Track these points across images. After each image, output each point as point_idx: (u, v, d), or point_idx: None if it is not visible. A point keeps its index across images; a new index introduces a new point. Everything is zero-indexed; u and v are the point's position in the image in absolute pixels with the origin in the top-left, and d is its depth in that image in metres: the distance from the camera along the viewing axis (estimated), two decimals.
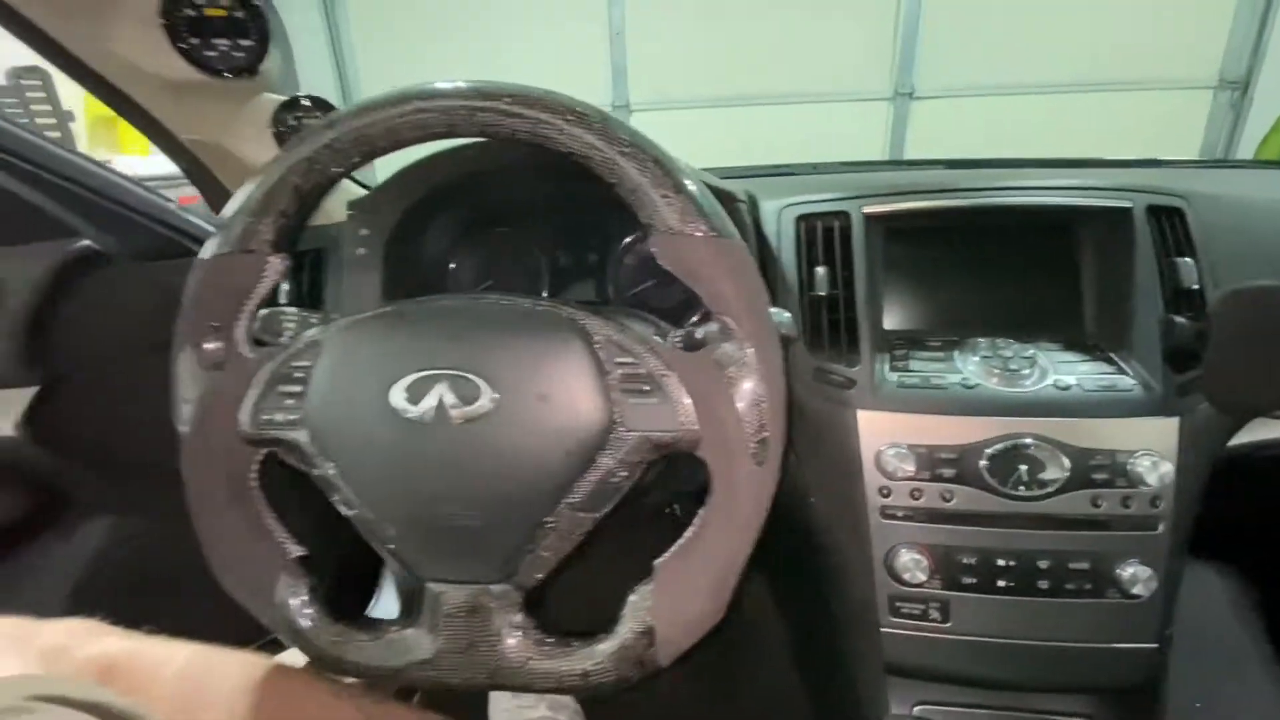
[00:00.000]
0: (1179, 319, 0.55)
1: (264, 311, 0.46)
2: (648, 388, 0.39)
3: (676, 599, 0.39)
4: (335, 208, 0.73)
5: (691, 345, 0.42)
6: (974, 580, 0.56)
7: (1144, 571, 0.54)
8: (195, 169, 0.68)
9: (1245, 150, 3.15)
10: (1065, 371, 0.59)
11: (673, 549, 0.40)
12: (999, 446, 0.56)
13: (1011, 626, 0.56)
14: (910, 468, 0.57)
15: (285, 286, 0.70)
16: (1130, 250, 0.60)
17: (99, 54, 0.53)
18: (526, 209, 0.75)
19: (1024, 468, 0.55)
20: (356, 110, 0.41)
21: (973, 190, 0.65)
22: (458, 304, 0.44)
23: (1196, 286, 0.58)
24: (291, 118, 0.65)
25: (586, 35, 3.40)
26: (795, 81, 3.33)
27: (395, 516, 0.40)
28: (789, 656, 0.45)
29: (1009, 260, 0.67)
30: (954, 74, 3.24)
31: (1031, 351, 0.60)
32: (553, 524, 0.39)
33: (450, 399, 0.39)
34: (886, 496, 0.58)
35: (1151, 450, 0.55)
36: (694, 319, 0.53)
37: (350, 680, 0.50)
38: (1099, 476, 0.55)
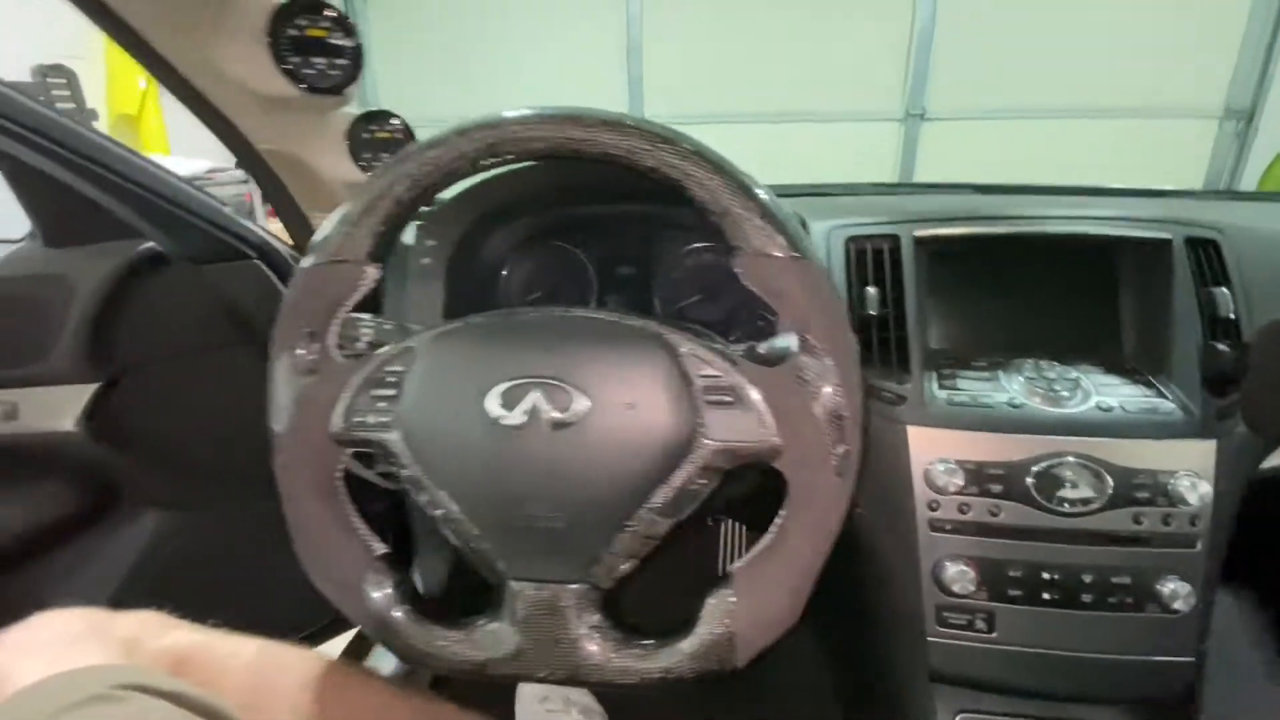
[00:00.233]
0: (1220, 346, 0.57)
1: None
2: (730, 399, 0.41)
3: (756, 602, 0.41)
4: None
5: (766, 359, 0.44)
6: (1020, 592, 0.58)
7: (1183, 588, 0.57)
8: (266, 177, 0.71)
9: (1249, 180, 3.21)
10: (1107, 393, 0.61)
11: (751, 554, 0.42)
12: (1045, 464, 0.58)
13: (1055, 638, 0.58)
14: (959, 482, 0.59)
15: None
16: (1169, 279, 0.63)
17: (197, 64, 0.56)
18: (579, 224, 0.78)
19: (1069, 485, 0.58)
20: (460, 130, 0.44)
21: (1018, 218, 0.68)
22: (548, 317, 0.46)
23: (1233, 316, 0.60)
24: (365, 131, 0.68)
25: (604, 47, 3.45)
26: (809, 100, 3.38)
27: (482, 516, 0.42)
28: (827, 662, 0.47)
29: (1050, 285, 0.70)
30: (965, 97, 3.29)
31: (1074, 374, 0.63)
32: (633, 527, 0.41)
33: (544, 406, 0.42)
34: (935, 510, 0.60)
35: (1191, 471, 0.57)
36: (739, 332, 0.54)
37: (382, 674, 0.52)
38: (1140, 495, 0.57)
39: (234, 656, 0.49)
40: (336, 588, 0.45)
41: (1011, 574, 0.58)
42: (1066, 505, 0.58)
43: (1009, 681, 0.60)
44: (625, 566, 0.42)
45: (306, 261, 0.46)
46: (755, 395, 0.41)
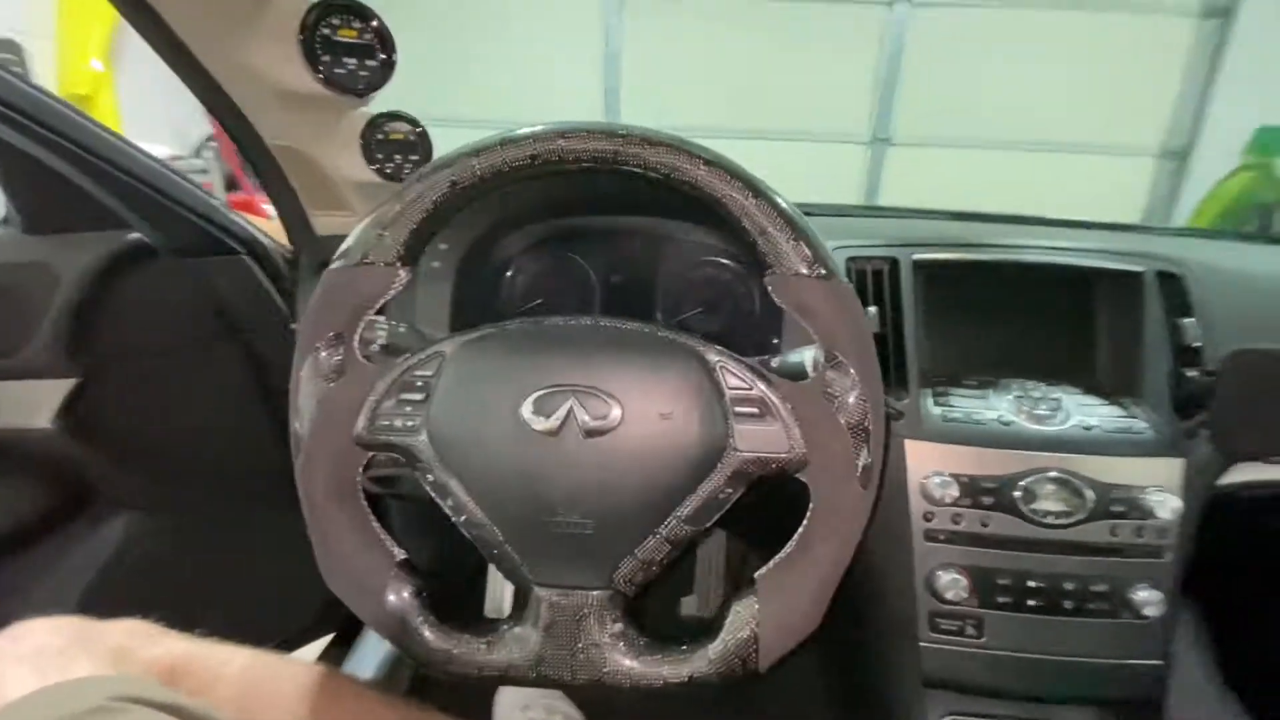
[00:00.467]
0: (1189, 372, 0.63)
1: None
2: (758, 411, 0.43)
3: (781, 608, 0.42)
4: None
5: (793, 373, 0.46)
6: (1008, 599, 0.62)
7: (1154, 595, 0.61)
8: (271, 173, 0.69)
9: (1181, 216, 3.45)
10: (1086, 413, 0.66)
11: (774, 562, 0.43)
12: (1031, 479, 0.62)
13: (1039, 643, 0.62)
14: (953, 494, 0.62)
15: None
16: (1141, 309, 0.68)
17: (218, 53, 0.55)
18: (586, 233, 0.79)
19: (1053, 499, 0.62)
20: (508, 140, 0.44)
21: (1005, 246, 0.72)
22: (583, 326, 0.47)
23: (1198, 344, 0.66)
24: (380, 132, 0.67)
25: (581, 56, 3.47)
26: (781, 119, 3.47)
27: (509, 522, 0.43)
28: (819, 666, 0.48)
29: (1033, 310, 0.74)
30: (929, 125, 3.44)
31: (1057, 394, 0.67)
32: (660, 535, 0.42)
33: (580, 413, 0.42)
34: (930, 520, 0.63)
35: (1162, 486, 0.62)
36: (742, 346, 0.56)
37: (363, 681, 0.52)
38: (1116, 509, 0.62)
39: (226, 666, 0.48)
40: (356, 592, 0.44)
41: (1000, 582, 0.62)
42: (1050, 517, 0.62)
43: (995, 685, 0.63)
44: (649, 573, 0.43)
45: (336, 263, 0.46)
46: (784, 408, 0.43)
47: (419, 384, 0.45)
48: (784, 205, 0.44)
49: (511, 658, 0.42)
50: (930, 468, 0.63)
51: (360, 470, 0.45)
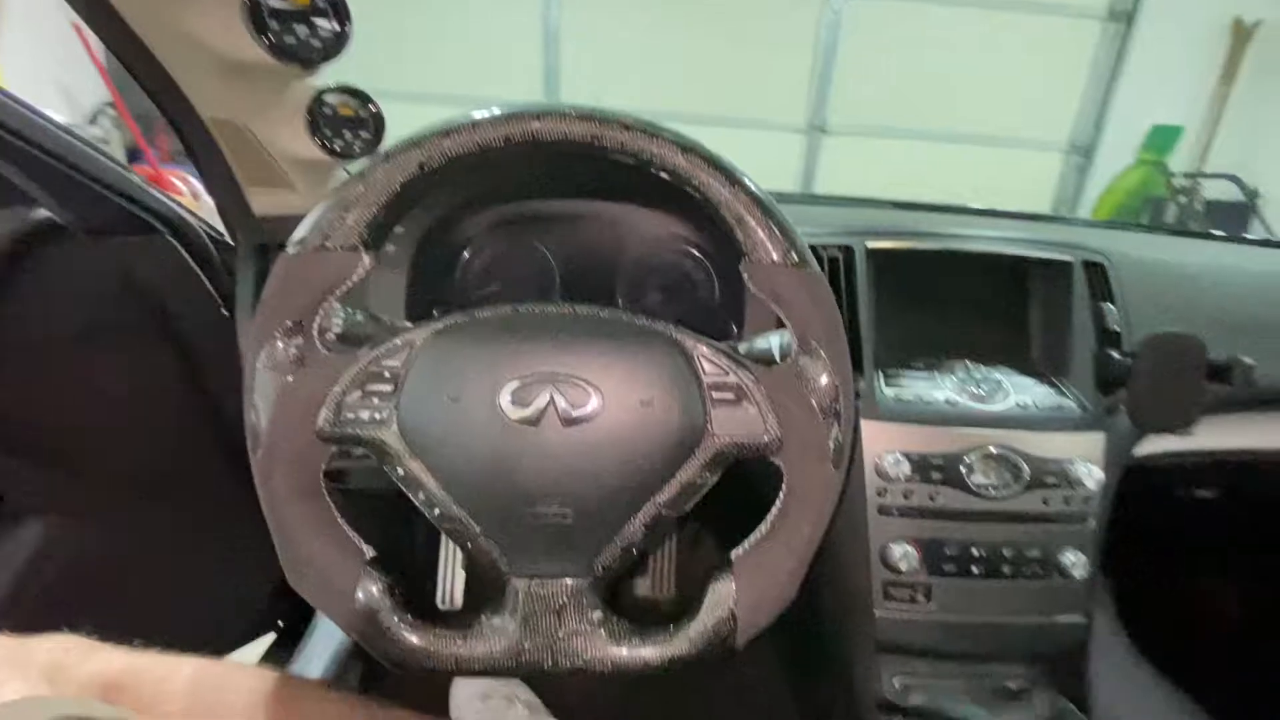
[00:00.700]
0: (1111, 354, 0.68)
1: None
2: (734, 397, 0.44)
3: (757, 588, 0.43)
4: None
5: (766, 359, 0.47)
6: (954, 568, 0.66)
7: (1079, 558, 0.67)
8: (205, 148, 0.64)
9: (1085, 207, 3.72)
10: (1022, 393, 0.71)
11: (749, 542, 0.45)
12: (976, 454, 0.66)
13: (981, 606, 0.67)
14: (905, 471, 0.66)
15: None
16: (1069, 295, 0.74)
17: (154, 24, 0.50)
18: (546, 217, 0.78)
19: (995, 472, 0.66)
20: (481, 121, 0.43)
21: (950, 235, 0.76)
22: (559, 314, 0.47)
23: (1118, 329, 0.72)
24: (327, 107, 0.63)
25: (521, 32, 3.38)
26: (720, 105, 3.50)
27: (486, 514, 0.42)
28: (775, 636, 0.50)
29: (973, 296, 0.79)
30: (862, 115, 3.55)
31: (997, 375, 0.72)
32: (639, 521, 0.43)
33: (560, 402, 0.42)
34: (883, 496, 0.67)
35: (1087, 458, 0.67)
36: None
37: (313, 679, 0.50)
38: (1049, 480, 0.67)
39: (170, 678, 0.46)
40: (324, 593, 0.42)
41: (947, 551, 0.66)
42: (992, 490, 0.66)
43: (942, 647, 0.68)
44: (628, 560, 0.44)
45: (293, 248, 0.43)
46: (759, 393, 0.44)
47: (387, 375, 0.43)
48: (760, 194, 0.45)
49: (491, 650, 0.42)
50: (883, 447, 0.67)
51: (323, 465, 0.43)
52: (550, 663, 0.42)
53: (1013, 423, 0.68)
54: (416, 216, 0.65)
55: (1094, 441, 0.68)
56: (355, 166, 0.74)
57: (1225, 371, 0.63)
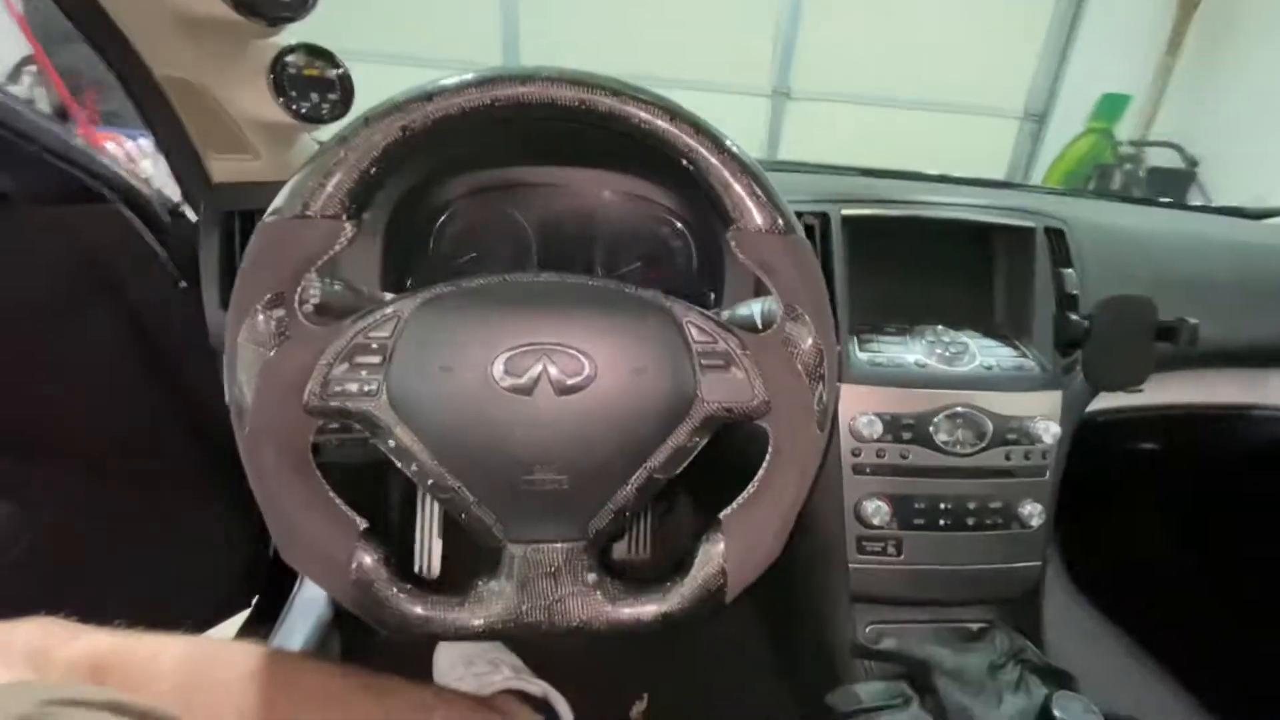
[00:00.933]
0: (1071, 316, 0.72)
1: None
2: (723, 363, 0.45)
3: (746, 545, 0.45)
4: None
5: (752, 325, 0.48)
6: (923, 521, 0.70)
7: (1036, 508, 0.71)
8: (158, 109, 0.61)
9: (1038, 173, 3.83)
10: (987, 355, 0.74)
11: (739, 501, 0.46)
12: (945, 414, 0.69)
13: (947, 555, 0.71)
14: (878, 432, 0.69)
15: None
16: (1031, 261, 0.77)
17: None
18: (522, 184, 0.77)
19: (961, 431, 0.70)
20: (459, 85, 0.42)
21: (918, 203, 0.78)
22: (548, 283, 0.46)
23: (1076, 292, 0.75)
24: (291, 67, 0.60)
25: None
26: (684, 68, 3.44)
27: (480, 483, 0.43)
28: (753, 590, 0.52)
29: (940, 261, 0.81)
30: (824, 80, 3.55)
31: (964, 339, 0.75)
32: (632, 485, 0.44)
33: (554, 371, 0.42)
34: (857, 455, 0.69)
35: (1045, 416, 0.71)
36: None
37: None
38: (1010, 436, 0.71)
39: (156, 658, 0.46)
40: (319, 565, 0.42)
41: (917, 506, 0.70)
42: (959, 447, 0.70)
43: (911, 595, 0.72)
44: (620, 522, 0.45)
45: (271, 216, 0.42)
46: (746, 358, 0.45)
47: (374, 346, 0.42)
48: (749, 161, 0.45)
49: (489, 615, 0.42)
50: (858, 408, 0.69)
51: (311, 438, 0.42)
52: (548, 624, 0.43)
53: (978, 383, 0.71)
54: (393, 182, 0.63)
55: (1052, 400, 0.72)
56: (323, 132, 0.71)
57: (1172, 332, 0.68)
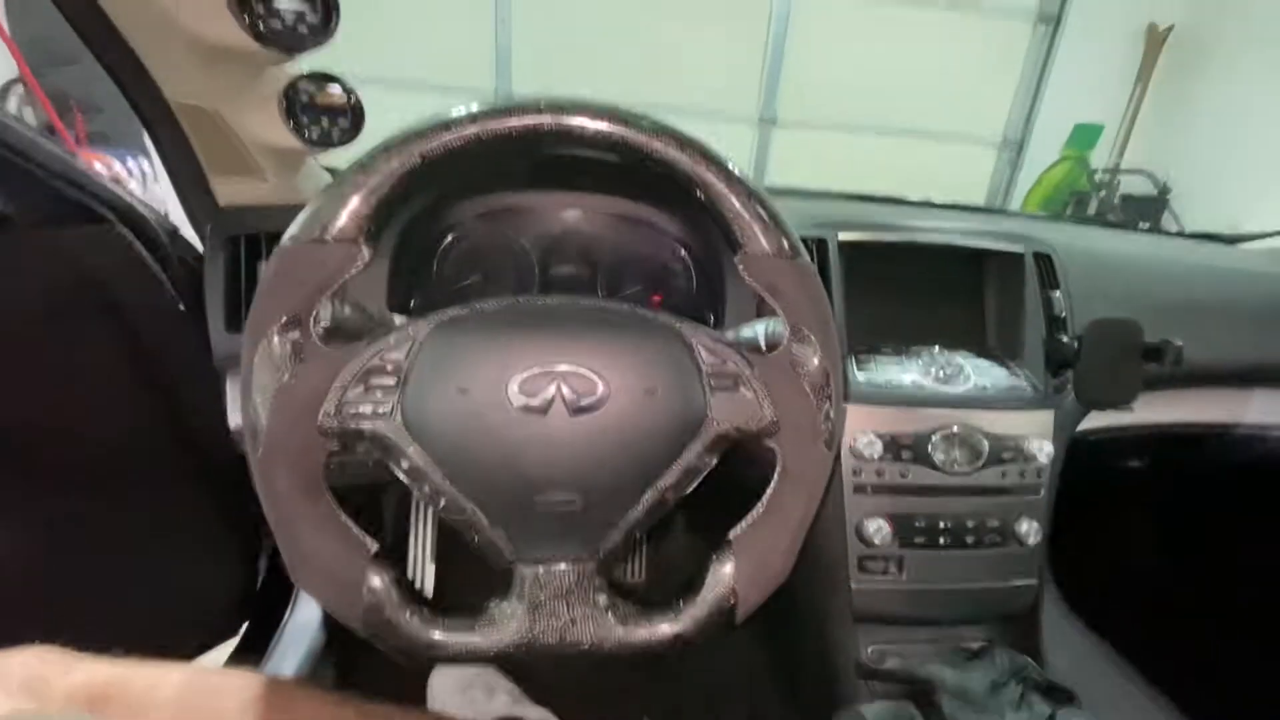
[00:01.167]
0: (1060, 338, 0.74)
1: None
2: (732, 383, 0.46)
3: (756, 565, 0.46)
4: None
5: (759, 347, 0.49)
6: (923, 539, 0.71)
7: (1033, 526, 0.73)
8: (169, 133, 0.61)
9: (1016, 199, 3.93)
10: (982, 375, 0.76)
11: (747, 522, 0.47)
12: (943, 434, 0.71)
13: (947, 574, 0.72)
14: (878, 451, 0.70)
15: None
16: (1021, 284, 0.79)
17: (128, 7, 0.48)
18: (526, 209, 0.78)
19: (959, 450, 0.71)
20: (485, 113, 0.43)
21: (912, 228, 0.80)
22: (562, 305, 0.47)
23: (1064, 315, 0.78)
24: (304, 94, 0.61)
25: (472, 15, 3.29)
26: (672, 94, 3.51)
27: (494, 504, 0.43)
28: (758, 611, 0.52)
29: (933, 284, 0.84)
30: (809, 108, 3.63)
31: (959, 360, 0.77)
32: (644, 505, 0.44)
33: (568, 391, 0.43)
34: (858, 475, 0.71)
35: (1039, 434, 0.73)
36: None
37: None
38: (1006, 455, 0.72)
39: (155, 688, 0.45)
40: (330, 588, 0.42)
41: (917, 525, 0.71)
42: (956, 466, 0.71)
43: (913, 614, 0.73)
44: (630, 543, 0.45)
45: (289, 240, 0.43)
46: (754, 379, 0.46)
47: (389, 368, 0.43)
48: (755, 187, 0.47)
49: (502, 638, 0.42)
50: (858, 428, 0.70)
51: (322, 462, 0.42)
52: (561, 646, 0.43)
53: (973, 403, 0.73)
54: (403, 207, 0.64)
55: (1045, 419, 0.74)
56: (330, 157, 0.72)
57: (1159, 352, 0.70)
